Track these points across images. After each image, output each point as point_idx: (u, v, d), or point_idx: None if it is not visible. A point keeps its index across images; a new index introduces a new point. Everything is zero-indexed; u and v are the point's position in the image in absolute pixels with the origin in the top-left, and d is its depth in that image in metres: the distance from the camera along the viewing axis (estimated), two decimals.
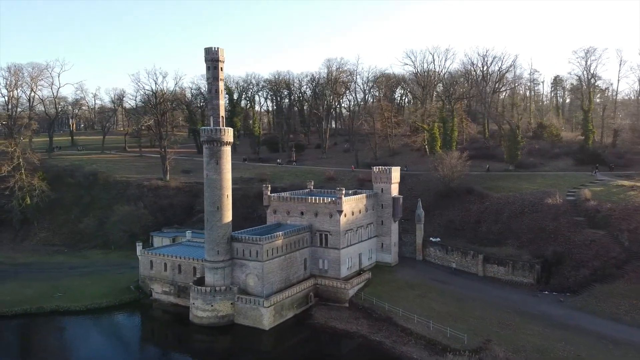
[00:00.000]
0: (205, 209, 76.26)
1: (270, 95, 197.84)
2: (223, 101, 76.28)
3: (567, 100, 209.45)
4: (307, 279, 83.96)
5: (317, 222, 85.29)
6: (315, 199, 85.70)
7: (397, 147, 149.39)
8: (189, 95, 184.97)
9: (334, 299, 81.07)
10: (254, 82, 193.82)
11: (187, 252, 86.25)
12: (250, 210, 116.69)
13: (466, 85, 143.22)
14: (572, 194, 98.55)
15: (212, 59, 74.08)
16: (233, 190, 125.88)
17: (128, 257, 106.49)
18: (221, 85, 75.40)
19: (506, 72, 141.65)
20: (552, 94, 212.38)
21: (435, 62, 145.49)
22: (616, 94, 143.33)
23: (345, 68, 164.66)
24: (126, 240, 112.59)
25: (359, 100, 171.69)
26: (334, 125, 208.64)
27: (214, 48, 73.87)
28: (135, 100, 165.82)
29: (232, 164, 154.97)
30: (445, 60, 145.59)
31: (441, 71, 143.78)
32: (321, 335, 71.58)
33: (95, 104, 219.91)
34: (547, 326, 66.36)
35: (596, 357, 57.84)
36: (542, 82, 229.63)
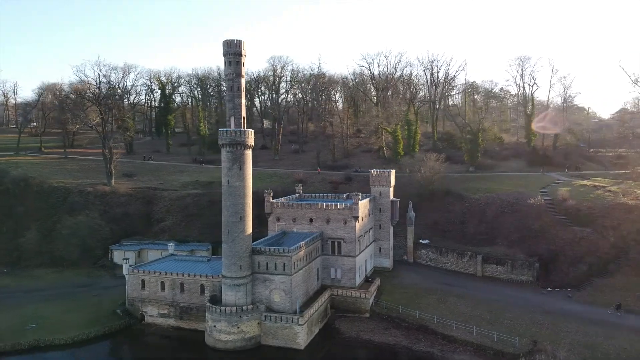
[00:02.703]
0: (224, 220, 68.23)
1: (200, 91, 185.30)
2: (245, 100, 68.99)
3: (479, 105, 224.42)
4: (319, 290, 79.42)
5: (329, 229, 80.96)
6: (328, 205, 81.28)
7: (350, 148, 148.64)
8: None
9: (352, 310, 77.40)
10: (174, 75, 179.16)
11: (186, 268, 76.94)
12: None
13: (420, 88, 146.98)
14: (545, 193, 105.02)
15: (235, 52, 66.58)
16: (197, 196, 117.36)
17: (90, 276, 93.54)
18: (243, 82, 68.12)
19: (455, 77, 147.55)
20: (466, 100, 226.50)
21: (388, 65, 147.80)
22: (548, 100, 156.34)
23: (291, 67, 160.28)
24: (79, 255, 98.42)
25: (305, 100, 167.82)
26: (265, 125, 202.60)
27: (236, 41, 66.42)
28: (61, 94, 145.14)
29: (181, 167, 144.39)
30: (399, 64, 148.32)
31: (395, 74, 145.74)
32: (360, 350, 67.80)
33: None
34: (580, 323, 68.81)
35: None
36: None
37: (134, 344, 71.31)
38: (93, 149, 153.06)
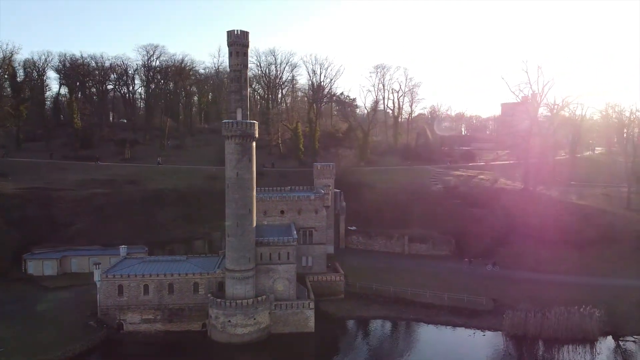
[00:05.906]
0: (231, 213, 67.01)
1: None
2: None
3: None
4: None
5: (300, 220, 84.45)
6: (299, 197, 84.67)
7: None
8: None
9: (328, 293, 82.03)
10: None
11: (170, 269, 72.34)
12: (147, 217, 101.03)
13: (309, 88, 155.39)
14: (435, 182, 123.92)
15: (242, 44, 66.31)
16: (107, 195, 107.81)
17: (14, 290, 79.24)
18: (247, 73, 68.02)
19: (334, 81, 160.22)
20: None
21: (278, 66, 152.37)
22: (402, 104, 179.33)
23: (169, 57, 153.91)
24: None
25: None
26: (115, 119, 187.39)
27: (243, 32, 66.20)
28: None
29: (57, 164, 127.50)
30: (287, 65, 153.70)
31: (282, 74, 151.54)
32: (360, 325, 74.20)
33: None
34: (508, 282, 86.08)
35: (570, 295, 78.73)
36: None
37: (127, 355, 65.04)
38: None
